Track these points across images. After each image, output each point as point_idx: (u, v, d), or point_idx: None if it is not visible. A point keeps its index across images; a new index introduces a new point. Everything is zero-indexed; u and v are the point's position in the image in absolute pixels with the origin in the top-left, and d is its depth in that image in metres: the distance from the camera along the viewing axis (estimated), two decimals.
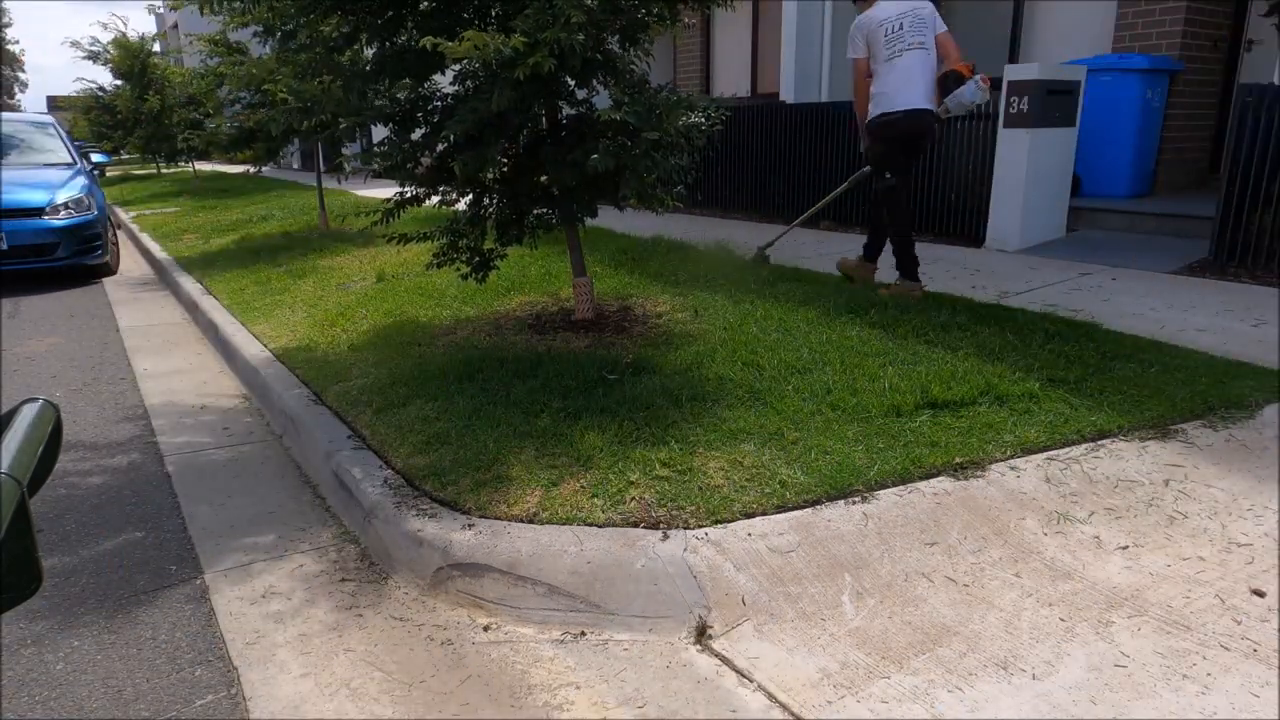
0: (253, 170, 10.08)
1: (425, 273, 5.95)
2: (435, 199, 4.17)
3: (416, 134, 3.94)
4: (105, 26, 14.73)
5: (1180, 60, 7.11)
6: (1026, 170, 6.11)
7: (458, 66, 3.82)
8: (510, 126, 3.76)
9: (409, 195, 4.08)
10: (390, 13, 3.80)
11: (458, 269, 4.33)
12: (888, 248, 4.97)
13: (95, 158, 11.15)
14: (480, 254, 4.26)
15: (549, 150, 3.92)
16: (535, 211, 4.23)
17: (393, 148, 3.82)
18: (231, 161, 24.22)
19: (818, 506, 2.48)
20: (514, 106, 3.46)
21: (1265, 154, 4.98)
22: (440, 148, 3.93)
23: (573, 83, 3.91)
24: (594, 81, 3.93)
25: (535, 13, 3.11)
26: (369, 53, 4.04)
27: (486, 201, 4.20)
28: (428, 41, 3.15)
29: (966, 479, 2.64)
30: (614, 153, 3.52)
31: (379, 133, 4.19)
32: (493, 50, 3.05)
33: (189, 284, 6.86)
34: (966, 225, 6.68)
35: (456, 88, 3.88)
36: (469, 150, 3.64)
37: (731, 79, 12.57)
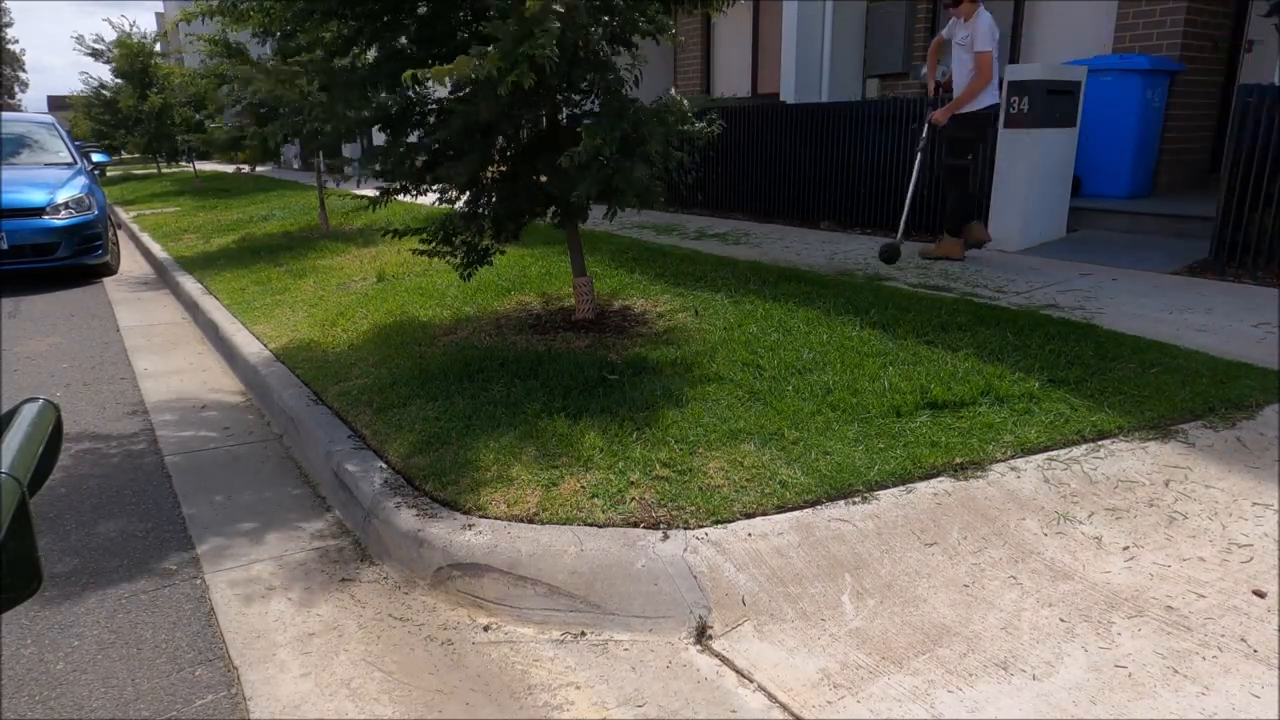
0: (245, 170, 10.10)
1: (426, 273, 5.95)
2: (433, 196, 4.17)
3: (412, 137, 3.95)
4: (112, 26, 14.77)
5: (1180, 61, 7.11)
6: (1027, 170, 6.11)
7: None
8: (502, 133, 3.78)
9: (396, 188, 4.10)
10: (387, 18, 3.81)
11: (449, 261, 4.34)
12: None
13: (96, 157, 11.14)
14: (474, 250, 4.26)
15: (545, 157, 3.93)
16: (534, 210, 4.23)
17: (388, 151, 3.83)
18: (231, 161, 24.24)
19: (818, 506, 2.48)
20: (503, 115, 3.48)
21: (1265, 154, 4.98)
22: (434, 148, 3.94)
23: (565, 86, 3.92)
24: (584, 86, 3.94)
25: (508, 32, 3.11)
26: (370, 55, 4.04)
27: (483, 200, 4.21)
28: (408, 76, 3.21)
29: (966, 479, 2.64)
30: (602, 179, 3.59)
31: (380, 136, 4.18)
32: (470, 72, 3.06)
33: (189, 284, 6.86)
34: None
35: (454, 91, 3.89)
36: (454, 161, 3.67)
37: (732, 79, 12.57)
